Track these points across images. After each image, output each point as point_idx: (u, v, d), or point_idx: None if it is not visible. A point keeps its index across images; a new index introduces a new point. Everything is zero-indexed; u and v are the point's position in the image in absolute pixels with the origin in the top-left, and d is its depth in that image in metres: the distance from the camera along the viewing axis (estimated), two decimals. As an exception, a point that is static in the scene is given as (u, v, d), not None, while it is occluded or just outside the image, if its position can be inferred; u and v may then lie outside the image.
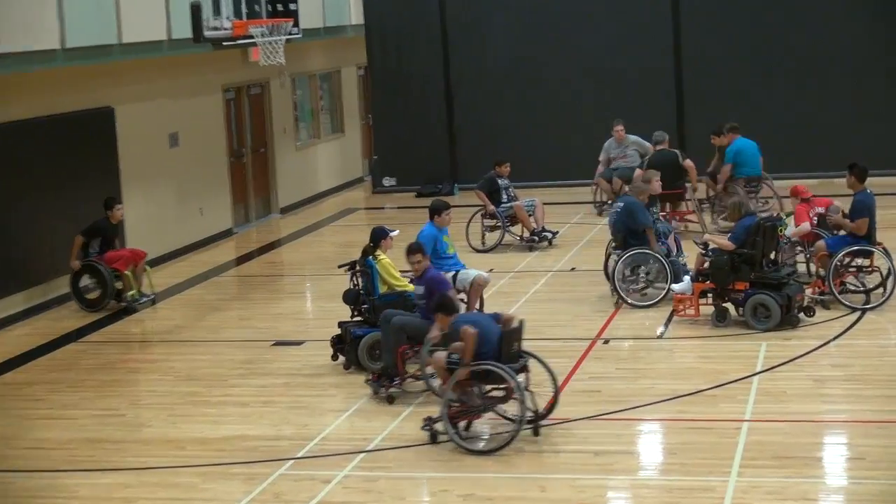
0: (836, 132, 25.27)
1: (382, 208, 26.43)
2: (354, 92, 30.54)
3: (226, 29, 20.58)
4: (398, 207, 26.05)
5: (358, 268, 14.13)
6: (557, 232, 20.59)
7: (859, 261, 15.57)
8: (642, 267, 16.10)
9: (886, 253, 15.68)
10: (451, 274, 14.98)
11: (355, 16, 28.41)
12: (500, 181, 20.59)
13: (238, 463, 11.39)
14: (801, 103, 25.65)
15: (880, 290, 15.55)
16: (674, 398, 12.47)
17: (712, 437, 11.32)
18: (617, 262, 16.10)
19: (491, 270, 18.83)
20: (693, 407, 12.22)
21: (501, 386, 11.52)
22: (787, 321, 14.49)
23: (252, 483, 10.85)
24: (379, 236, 14.21)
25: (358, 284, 14.21)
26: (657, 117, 26.06)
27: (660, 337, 14.73)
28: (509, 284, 17.99)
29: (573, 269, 18.79)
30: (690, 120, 26.23)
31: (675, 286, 15.61)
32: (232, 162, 24.02)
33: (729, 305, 14.96)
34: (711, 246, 15.16)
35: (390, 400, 12.68)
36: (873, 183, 16.16)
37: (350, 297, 14.26)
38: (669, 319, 15.37)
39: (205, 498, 10.69)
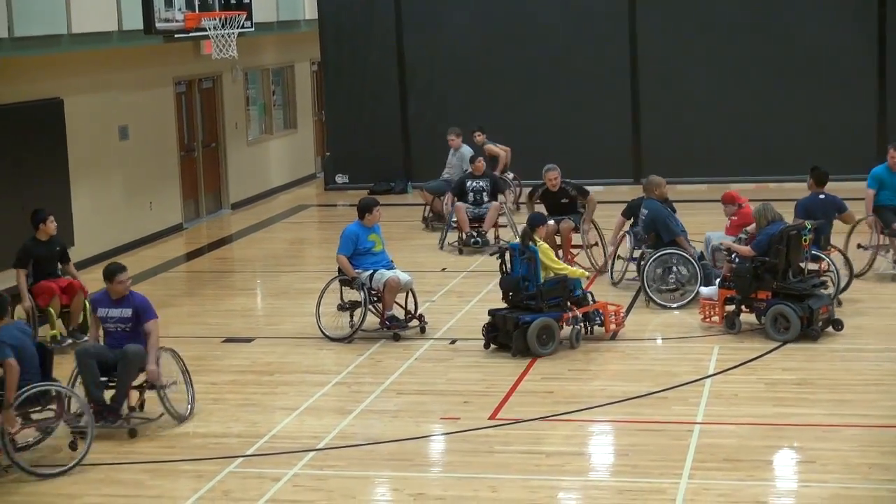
0: (794, 137, 25.52)
1: (335, 205, 26.44)
2: (308, 87, 30.52)
3: (178, 21, 20.50)
4: (350, 205, 25.89)
5: (525, 254, 14.41)
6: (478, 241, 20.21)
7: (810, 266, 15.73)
8: (673, 268, 16.20)
9: (844, 256, 15.97)
10: (367, 273, 15.12)
11: (309, 10, 28.39)
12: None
13: (186, 460, 11.39)
14: (757, 108, 25.87)
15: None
16: (626, 400, 12.57)
17: (664, 439, 11.43)
18: (647, 262, 16.14)
19: (444, 269, 18.95)
20: (645, 409, 12.33)
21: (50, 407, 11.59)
22: (808, 334, 14.31)
23: (200, 480, 10.85)
24: (538, 221, 14.59)
25: (508, 271, 14.50)
26: (613, 115, 26.31)
27: (613, 338, 14.83)
28: (462, 284, 18.06)
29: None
30: (646, 120, 26.41)
31: (703, 289, 15.59)
32: (182, 156, 23.96)
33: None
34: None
35: (132, 434, 12.08)
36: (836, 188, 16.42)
37: (512, 283, 14.52)
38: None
39: (152, 495, 10.68)
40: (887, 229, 16.91)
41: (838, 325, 14.69)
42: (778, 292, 14.54)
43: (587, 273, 15.12)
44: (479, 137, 23.26)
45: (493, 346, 14.47)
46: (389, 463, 11.18)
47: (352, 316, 15.21)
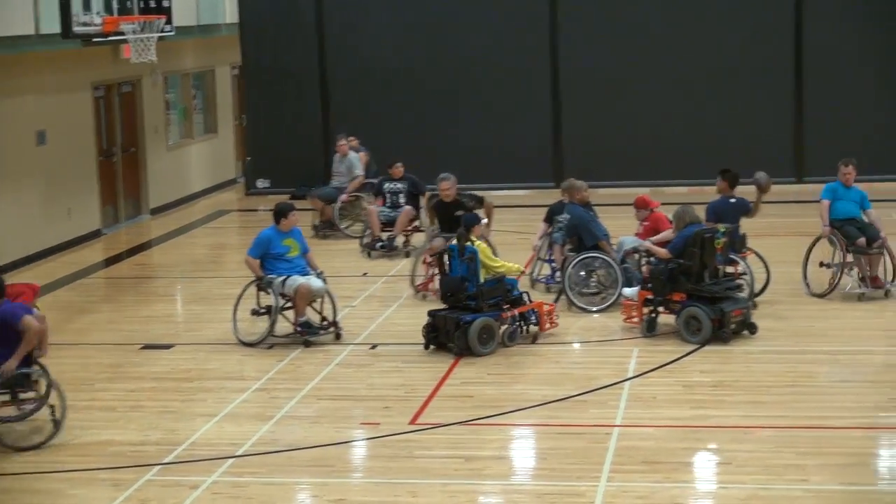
0: (714, 141, 25.73)
1: (255, 210, 26.33)
2: (228, 92, 30.39)
3: (96, 25, 20.36)
4: (272, 210, 25.91)
5: (465, 255, 14.59)
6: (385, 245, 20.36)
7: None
8: (594, 272, 16.30)
9: (761, 258, 16.20)
10: (280, 278, 15.14)
11: (230, 14, 28.28)
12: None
13: (104, 468, 11.30)
14: (677, 111, 26.12)
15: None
16: (546, 403, 12.64)
17: (583, 442, 11.51)
18: (569, 266, 16.21)
19: (365, 274, 18.95)
20: (564, 412, 12.41)
21: None
22: (719, 336, 14.48)
23: (118, 489, 10.76)
24: (472, 221, 15.01)
25: (447, 272, 14.70)
26: (535, 120, 26.46)
27: (533, 342, 14.88)
28: (383, 289, 18.08)
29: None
30: (567, 124, 26.57)
31: (625, 290, 15.72)
32: (101, 161, 23.75)
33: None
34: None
35: None
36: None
37: (454, 284, 14.66)
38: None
39: (70, 504, 10.62)
40: (851, 246, 16.36)
41: (753, 328, 14.84)
42: (692, 294, 14.72)
43: (522, 267, 15.44)
44: (353, 141, 23.41)
45: (432, 346, 14.62)
46: (309, 469, 11.16)
47: (273, 322, 15.19)
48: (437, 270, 15.71)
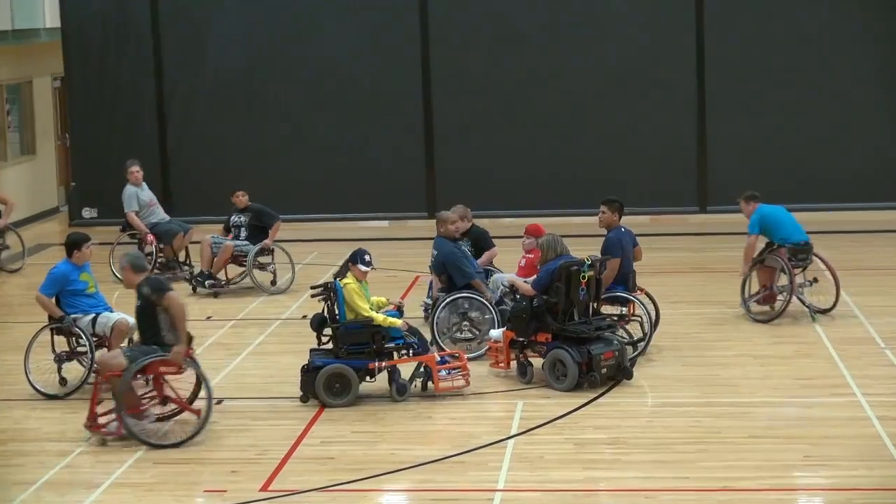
0: (603, 167, 26.04)
1: (81, 244, 25.96)
2: (49, 107, 30.02)
3: None
4: (99, 243, 25.51)
5: (322, 291, 14.67)
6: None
7: (616, 308, 16.00)
8: (468, 314, 16.27)
9: (651, 298, 16.33)
10: (90, 316, 15.19)
11: (50, 18, 27.98)
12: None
13: None
14: (566, 136, 26.36)
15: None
16: (417, 465, 12.61)
17: (461, 509, 11.51)
18: (439, 308, 16.14)
19: (209, 318, 18.78)
20: (439, 475, 12.37)
21: None
22: (589, 381, 14.58)
23: (-83, 571, 10.53)
24: (355, 258, 14.77)
25: (331, 310, 14.71)
26: (404, 144, 26.49)
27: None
28: (230, 335, 17.91)
29: (304, 316, 18.82)
30: (441, 148, 26.65)
31: (492, 332, 15.67)
32: None
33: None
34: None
35: None
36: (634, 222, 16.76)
37: (315, 323, 14.72)
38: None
39: None
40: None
41: (628, 374, 14.98)
42: (558, 335, 14.82)
43: (399, 323, 14.89)
44: None
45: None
46: (143, 544, 11.02)
47: (59, 370, 15.21)
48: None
